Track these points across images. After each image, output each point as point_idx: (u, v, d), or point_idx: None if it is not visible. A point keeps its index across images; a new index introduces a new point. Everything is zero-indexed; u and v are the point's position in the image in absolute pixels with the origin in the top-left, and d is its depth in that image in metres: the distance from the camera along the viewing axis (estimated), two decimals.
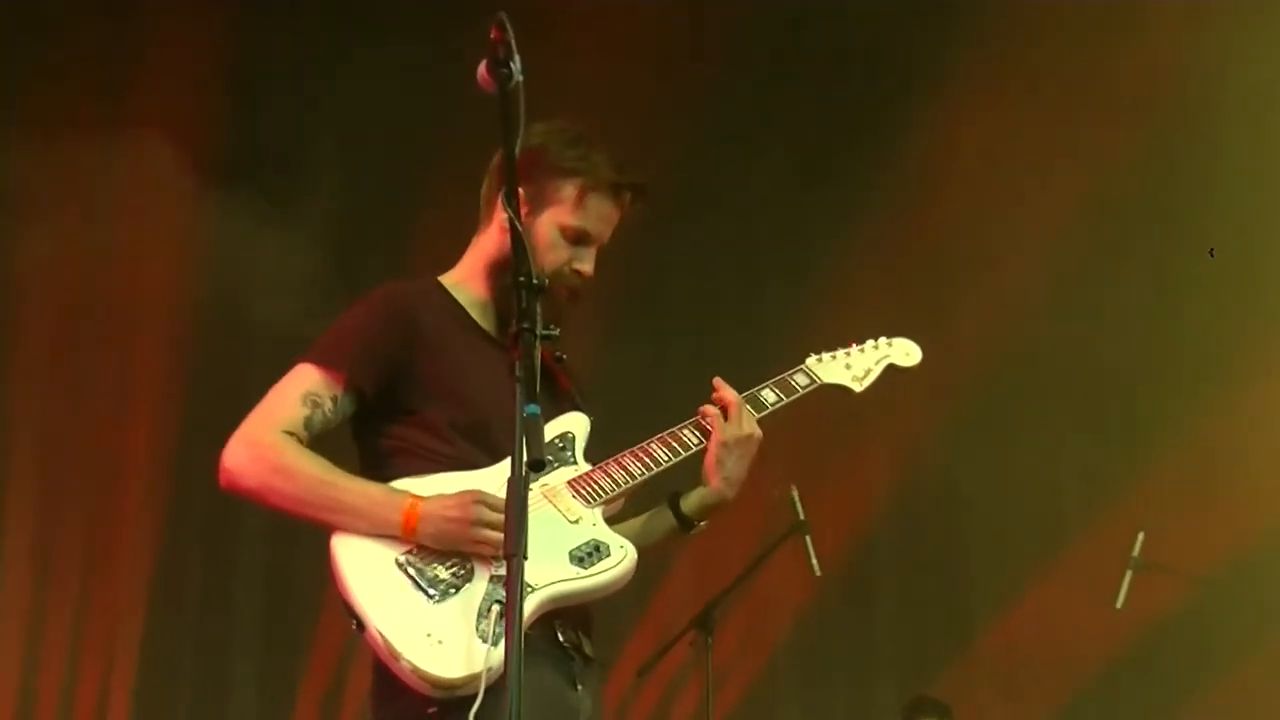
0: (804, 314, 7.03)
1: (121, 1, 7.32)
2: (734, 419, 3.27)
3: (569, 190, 3.27)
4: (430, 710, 2.91)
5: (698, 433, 3.30)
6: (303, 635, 7.09)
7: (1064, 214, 7.40)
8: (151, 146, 6.97)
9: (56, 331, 7.00)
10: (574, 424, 3.29)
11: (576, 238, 3.28)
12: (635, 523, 3.34)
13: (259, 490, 3.08)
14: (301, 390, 3.14)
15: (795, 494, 5.91)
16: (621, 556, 3.10)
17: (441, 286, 3.33)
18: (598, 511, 3.16)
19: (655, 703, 7.33)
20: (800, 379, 3.47)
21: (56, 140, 6.84)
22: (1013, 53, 7.25)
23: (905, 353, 3.64)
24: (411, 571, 2.99)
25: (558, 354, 3.35)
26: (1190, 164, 7.36)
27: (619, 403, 3.76)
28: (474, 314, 3.30)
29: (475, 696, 2.80)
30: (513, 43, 2.81)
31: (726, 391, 3.30)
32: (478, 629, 2.91)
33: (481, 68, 2.83)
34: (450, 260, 3.39)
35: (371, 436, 3.21)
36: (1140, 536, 6.17)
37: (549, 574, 3.01)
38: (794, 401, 3.43)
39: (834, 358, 3.56)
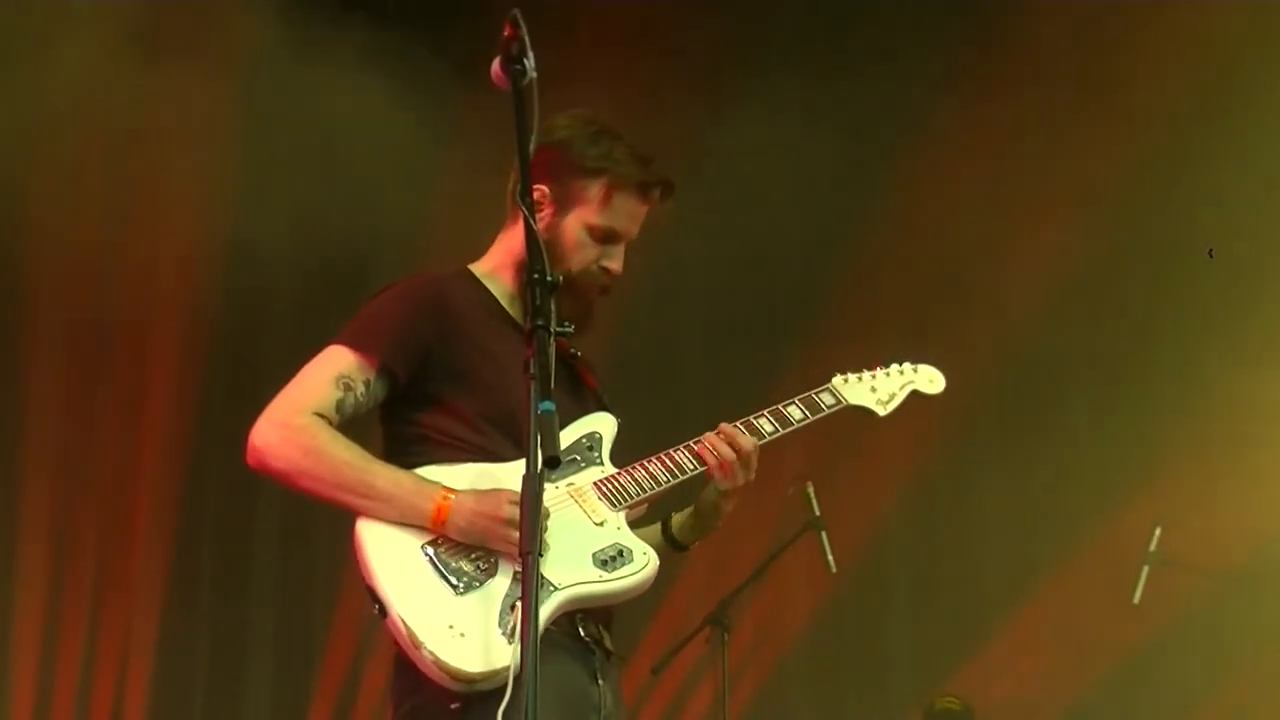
0: (806, 314, 7.01)
1: None
2: (745, 467, 3.28)
3: (594, 190, 3.26)
4: (453, 706, 2.91)
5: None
6: (318, 631, 7.11)
7: (1072, 211, 7.38)
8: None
9: (71, 328, 6.99)
10: (601, 424, 3.30)
11: (604, 236, 3.27)
12: (655, 529, 3.37)
13: (288, 472, 3.06)
14: (334, 372, 3.12)
15: (811, 490, 5.91)
16: (645, 563, 3.11)
17: (474, 276, 3.32)
18: (622, 515, 3.17)
19: (670, 699, 7.32)
20: (827, 398, 3.52)
21: None
22: (1017, 53, 7.24)
23: (930, 379, 3.69)
24: (437, 561, 2.99)
25: (573, 350, 3.35)
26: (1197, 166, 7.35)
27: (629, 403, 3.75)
28: (505, 305, 3.29)
29: (494, 692, 2.80)
30: (526, 39, 2.79)
31: (742, 440, 3.28)
32: (500, 625, 2.92)
33: (495, 65, 2.80)
34: None
35: (399, 423, 3.20)
36: (1157, 531, 6.17)
37: (572, 575, 3.03)
38: (818, 420, 3.48)
39: (859, 379, 3.60)
